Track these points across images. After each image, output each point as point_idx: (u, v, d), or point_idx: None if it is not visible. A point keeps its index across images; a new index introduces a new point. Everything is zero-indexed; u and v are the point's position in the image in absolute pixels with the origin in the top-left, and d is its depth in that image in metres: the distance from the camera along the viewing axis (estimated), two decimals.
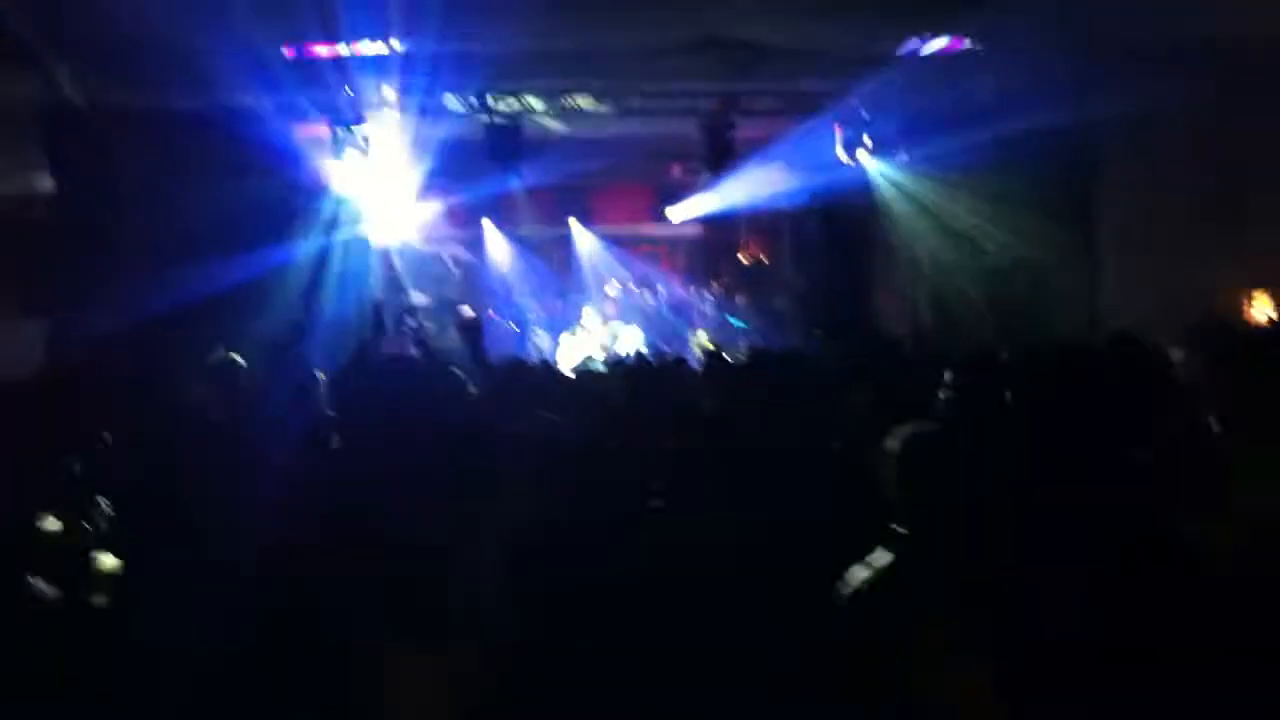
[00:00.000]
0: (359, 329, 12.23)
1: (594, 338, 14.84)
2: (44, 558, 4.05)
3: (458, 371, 6.25)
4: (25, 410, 5.45)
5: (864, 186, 13.50)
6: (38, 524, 4.14)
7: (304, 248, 11.44)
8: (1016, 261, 12.03)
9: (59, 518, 4.40)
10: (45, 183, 10.94)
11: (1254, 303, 10.66)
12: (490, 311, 15.22)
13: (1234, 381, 3.62)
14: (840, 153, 12.99)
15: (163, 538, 4.91)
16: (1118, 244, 11.69)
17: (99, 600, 4.36)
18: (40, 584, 3.80)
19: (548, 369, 8.02)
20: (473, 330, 6.03)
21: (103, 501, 4.85)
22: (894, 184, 13.17)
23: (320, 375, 6.46)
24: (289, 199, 11.32)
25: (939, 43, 10.10)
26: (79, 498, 4.65)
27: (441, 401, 5.40)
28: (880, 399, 5.24)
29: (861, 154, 12.95)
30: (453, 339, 14.77)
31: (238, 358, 6.74)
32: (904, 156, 12.92)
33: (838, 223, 14.81)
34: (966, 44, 10.10)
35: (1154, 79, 9.32)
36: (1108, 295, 11.58)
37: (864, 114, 12.73)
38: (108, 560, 4.53)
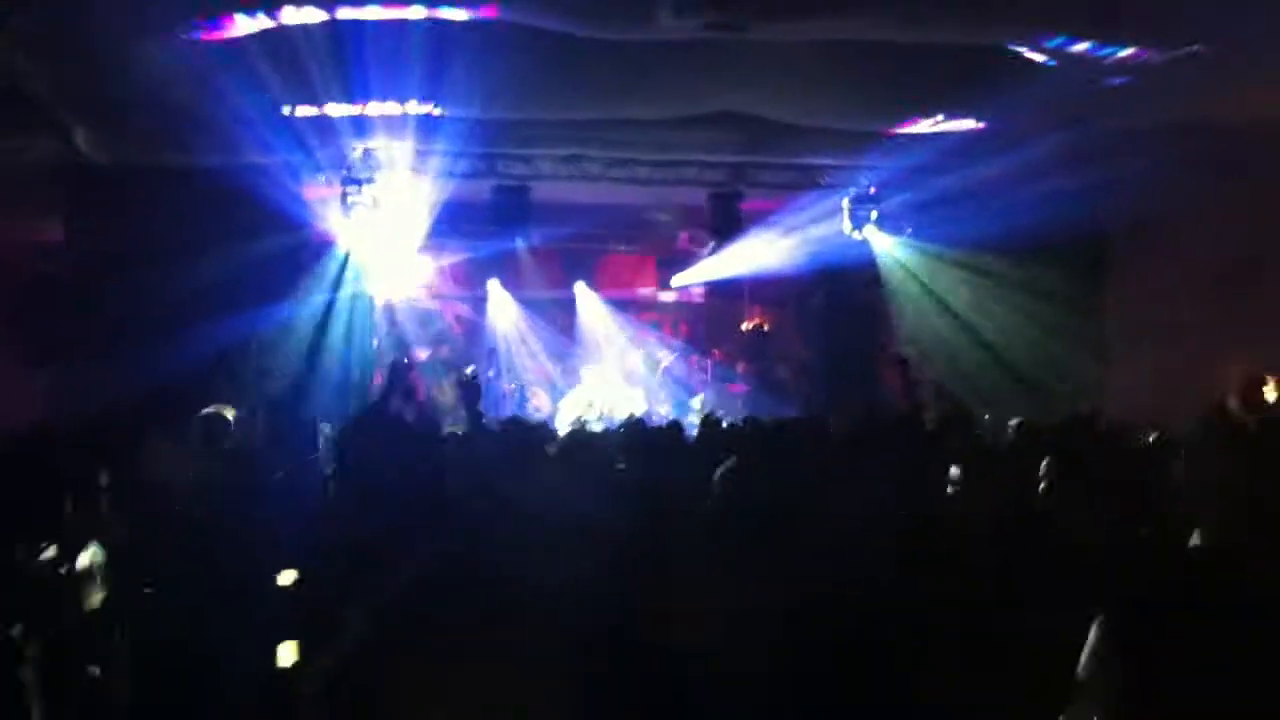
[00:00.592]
0: (361, 385, 12.29)
1: (593, 400, 14.83)
2: (35, 594, 4.06)
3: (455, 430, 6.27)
4: (21, 457, 5.47)
5: (869, 260, 13.57)
6: (30, 561, 4.15)
7: (310, 304, 11.49)
8: (1017, 342, 12.05)
9: (51, 559, 4.41)
10: (56, 235, 11.01)
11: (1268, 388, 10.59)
12: (491, 372, 15.22)
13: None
14: (847, 226, 13.06)
15: (154, 580, 4.92)
16: (1124, 329, 11.71)
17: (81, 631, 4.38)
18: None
19: (545, 430, 8.04)
20: (471, 391, 6.04)
21: (95, 547, 4.86)
22: (898, 259, 13.25)
23: (325, 429, 6.49)
24: (298, 256, 11.38)
25: (945, 123, 10.18)
26: (72, 541, 4.66)
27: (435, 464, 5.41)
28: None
29: (868, 229, 13.02)
30: (450, 396, 14.86)
31: (226, 412, 6.74)
32: (909, 232, 13.01)
33: (842, 295, 14.86)
34: (974, 125, 10.18)
35: (1162, 163, 9.38)
36: (1114, 380, 11.57)
37: (871, 189, 12.83)
38: (95, 598, 4.54)
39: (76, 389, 9.66)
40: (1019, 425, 6.97)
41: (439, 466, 5.43)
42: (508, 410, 14.02)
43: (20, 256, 12.04)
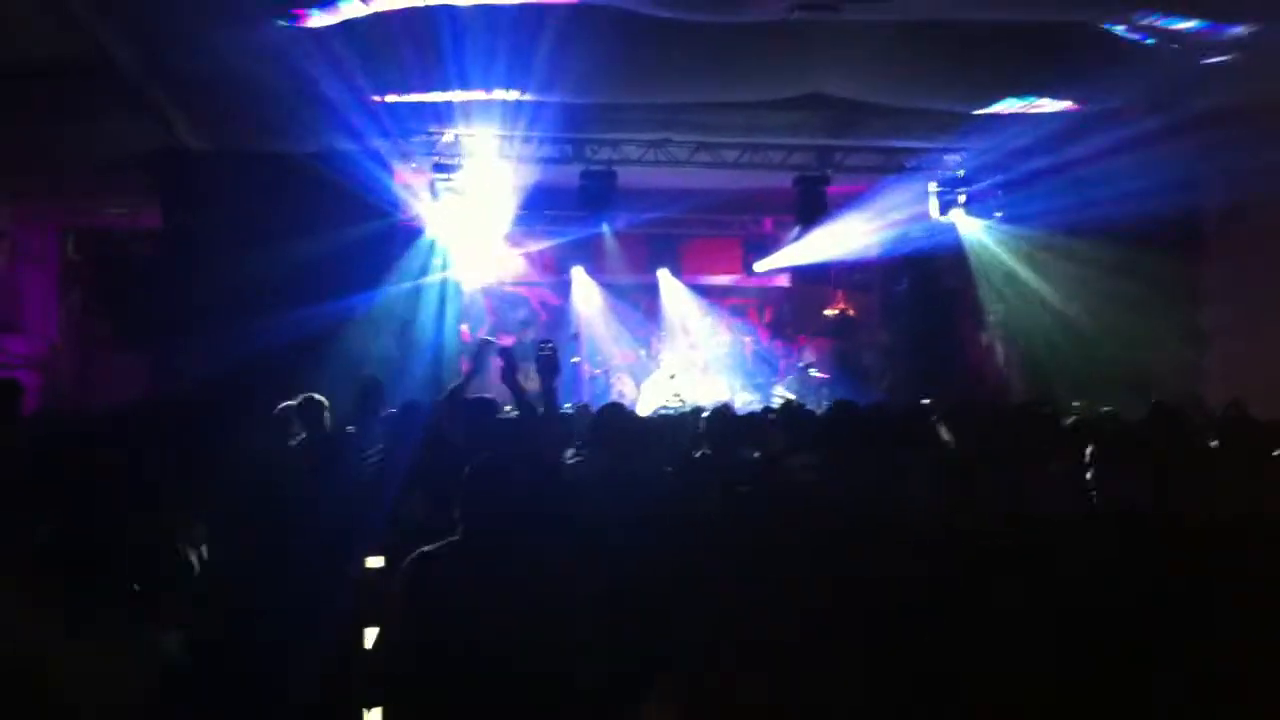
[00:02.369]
0: (449, 370, 12.44)
1: (676, 386, 14.82)
2: (140, 563, 4.17)
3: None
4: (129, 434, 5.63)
5: (956, 244, 13.39)
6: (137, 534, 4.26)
7: (399, 290, 11.64)
8: (1110, 327, 11.77)
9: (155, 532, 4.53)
10: (156, 220, 11.27)
11: None
12: (575, 358, 15.29)
13: None
14: (934, 209, 12.89)
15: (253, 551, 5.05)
16: (1221, 314, 11.39)
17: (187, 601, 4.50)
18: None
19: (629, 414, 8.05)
20: (548, 364, 6.01)
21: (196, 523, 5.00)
22: (987, 243, 13.04)
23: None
24: (387, 242, 11.54)
25: (1038, 104, 10.00)
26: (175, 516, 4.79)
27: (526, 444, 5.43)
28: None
29: (956, 212, 12.84)
30: (535, 381, 14.95)
31: (319, 397, 6.87)
32: (998, 215, 12.80)
33: (927, 280, 14.70)
34: (1068, 105, 9.98)
35: (1260, 142, 9.12)
36: (1211, 366, 11.26)
37: (960, 172, 12.65)
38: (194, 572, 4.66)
39: (173, 369, 9.92)
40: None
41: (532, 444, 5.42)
42: (588, 396, 14.06)
43: (122, 240, 12.39)
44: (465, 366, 14.76)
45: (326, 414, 6.92)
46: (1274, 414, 5.51)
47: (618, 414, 5.71)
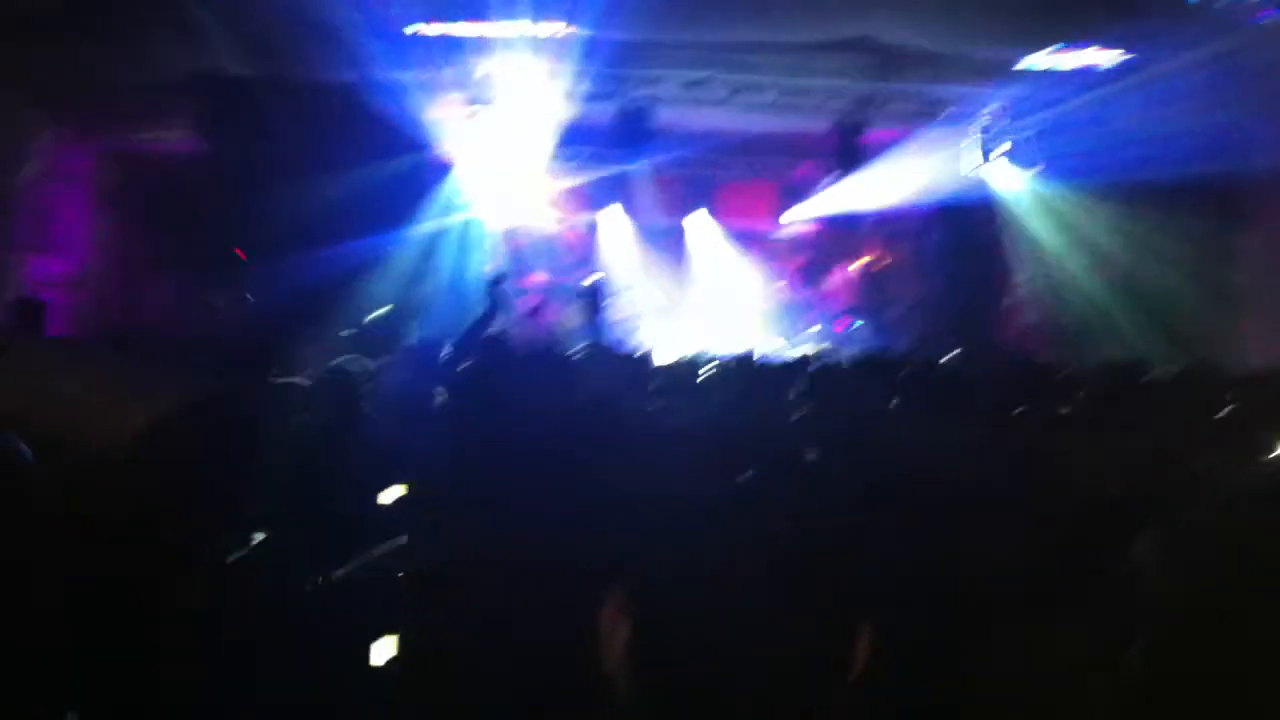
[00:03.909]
0: (477, 305, 12.43)
1: (704, 331, 14.77)
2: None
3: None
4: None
5: (991, 198, 13.23)
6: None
7: (430, 225, 11.63)
8: (1147, 283, 11.64)
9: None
10: (186, 143, 11.23)
11: None
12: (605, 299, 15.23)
13: None
14: (976, 159, 12.71)
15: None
16: (1260, 276, 11.23)
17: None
18: None
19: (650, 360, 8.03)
20: (592, 298, 5.96)
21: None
22: (1027, 194, 12.87)
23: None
24: (422, 175, 11.49)
25: (1087, 53, 9.81)
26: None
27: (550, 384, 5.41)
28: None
29: (995, 162, 12.66)
30: (569, 317, 14.94)
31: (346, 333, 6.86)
32: (1039, 166, 12.61)
33: (961, 232, 14.55)
34: (1116, 56, 9.79)
35: None
36: (1249, 328, 11.13)
37: (1005, 122, 12.45)
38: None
39: (217, 299, 9.95)
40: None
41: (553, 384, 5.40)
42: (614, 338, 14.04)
43: (160, 163, 12.35)
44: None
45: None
46: None
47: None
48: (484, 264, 13.59)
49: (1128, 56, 9.76)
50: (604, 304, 5.88)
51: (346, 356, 6.53)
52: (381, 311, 7.61)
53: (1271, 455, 3.91)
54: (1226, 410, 4.69)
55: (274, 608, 4.37)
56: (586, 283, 5.92)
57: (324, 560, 4.62)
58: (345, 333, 7.03)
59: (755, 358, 7.46)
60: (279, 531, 4.90)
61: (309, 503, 4.79)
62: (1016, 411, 4.94)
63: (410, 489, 4.95)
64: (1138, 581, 3.48)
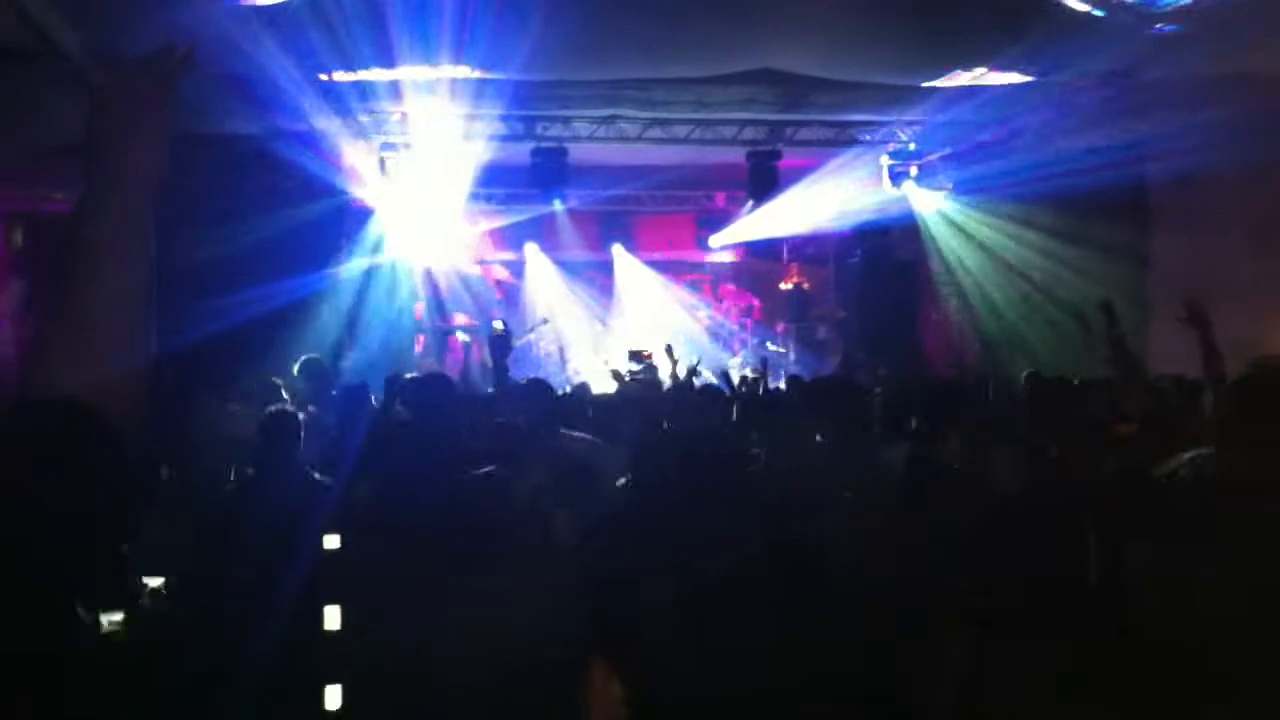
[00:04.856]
0: (402, 350, 12.35)
1: (632, 362, 14.82)
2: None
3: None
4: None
5: (909, 217, 13.47)
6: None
7: (351, 270, 11.54)
8: (1061, 295, 11.90)
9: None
10: None
11: None
12: (531, 335, 15.23)
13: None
14: (886, 183, 12.94)
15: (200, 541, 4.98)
16: (1168, 283, 11.54)
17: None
18: None
19: (585, 391, 8.06)
20: (501, 344, 6.02)
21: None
22: (939, 214, 13.13)
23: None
24: (337, 222, 11.42)
25: (988, 75, 10.04)
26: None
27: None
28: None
29: (908, 184, 12.90)
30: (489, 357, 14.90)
31: (275, 378, 6.84)
32: (950, 188, 12.88)
33: (880, 252, 14.78)
34: (1019, 77, 10.03)
35: (1202, 114, 9.21)
36: (1158, 333, 11.42)
37: (911, 145, 12.70)
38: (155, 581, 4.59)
39: (115, 356, 9.73)
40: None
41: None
42: (542, 373, 14.03)
43: (64, 224, 12.11)
44: (420, 345, 14.74)
45: (285, 394, 6.92)
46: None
47: None
48: (409, 306, 13.55)
49: (1029, 78, 9.99)
50: (509, 351, 5.93)
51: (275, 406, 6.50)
52: (304, 359, 7.53)
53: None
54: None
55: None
56: (495, 329, 5.99)
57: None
58: (275, 379, 6.95)
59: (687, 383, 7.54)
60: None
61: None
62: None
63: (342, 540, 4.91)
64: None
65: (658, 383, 8.10)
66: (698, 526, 3.74)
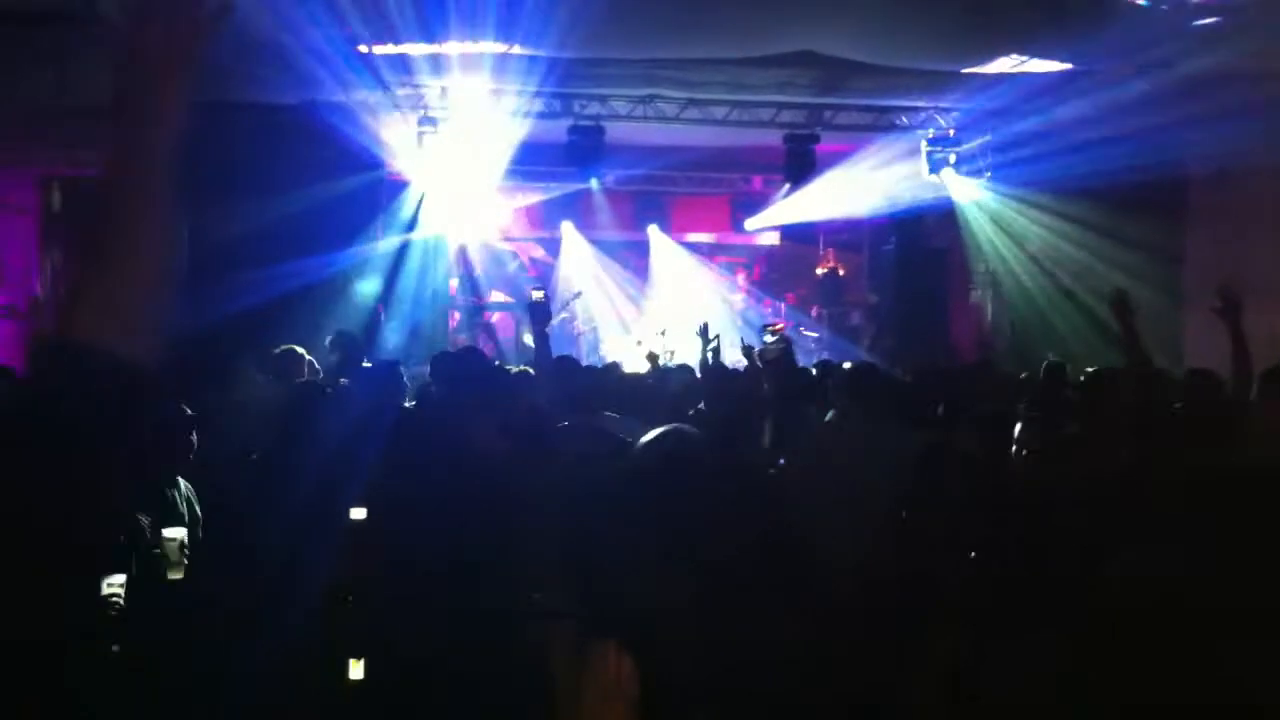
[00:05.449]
0: (435, 325, 12.42)
1: (666, 342, 14.84)
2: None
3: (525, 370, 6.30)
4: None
5: (945, 204, 13.40)
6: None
7: (386, 244, 11.62)
8: (1097, 288, 11.82)
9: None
10: None
11: None
12: (564, 314, 15.28)
13: None
14: (924, 169, 12.87)
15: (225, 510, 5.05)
16: (1204, 278, 11.44)
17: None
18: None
19: (617, 371, 8.08)
20: (541, 313, 5.99)
21: (183, 483, 5.01)
22: (977, 203, 13.05)
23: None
24: (374, 195, 11.49)
25: (1028, 63, 9.97)
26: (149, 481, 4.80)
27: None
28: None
29: (946, 172, 12.82)
30: (525, 334, 14.97)
31: (299, 349, 6.93)
32: (988, 175, 12.80)
33: (915, 239, 14.72)
34: (1059, 65, 9.95)
35: (1245, 109, 9.12)
36: (1193, 329, 11.33)
37: (950, 132, 12.63)
38: (177, 533, 4.67)
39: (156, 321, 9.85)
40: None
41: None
42: (576, 352, 14.08)
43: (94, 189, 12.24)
44: (454, 321, 14.83)
45: (307, 365, 6.99)
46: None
47: None
48: (443, 282, 13.62)
49: (1068, 66, 9.91)
50: (549, 321, 5.88)
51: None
52: (336, 332, 7.60)
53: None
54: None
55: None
56: (534, 298, 5.93)
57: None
58: (301, 351, 7.04)
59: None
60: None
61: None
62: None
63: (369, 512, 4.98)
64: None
65: (687, 367, 8.08)
66: (709, 518, 3.79)
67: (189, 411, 5.10)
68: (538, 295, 6.27)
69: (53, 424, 1.52)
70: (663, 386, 7.48)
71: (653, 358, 9.22)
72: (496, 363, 7.70)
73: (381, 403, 5.77)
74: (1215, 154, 10.55)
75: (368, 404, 6.07)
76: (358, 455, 5.34)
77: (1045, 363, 7.30)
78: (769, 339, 9.07)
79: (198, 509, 5.02)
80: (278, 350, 6.97)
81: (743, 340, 8.97)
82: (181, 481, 4.99)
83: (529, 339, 15.14)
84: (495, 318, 15.86)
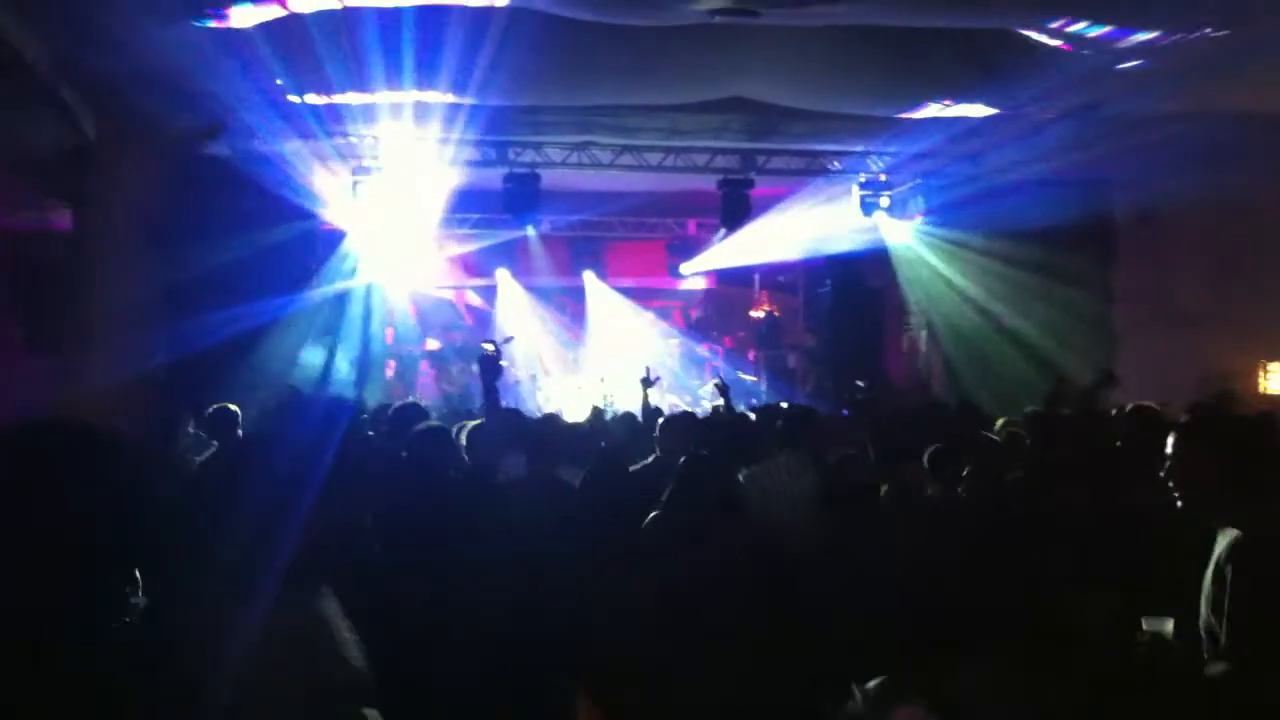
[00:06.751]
0: (373, 374, 12.27)
1: (605, 389, 14.79)
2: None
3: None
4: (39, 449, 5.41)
5: (879, 246, 13.54)
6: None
7: (322, 293, 11.48)
8: (1029, 324, 12.00)
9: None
10: (63, 220, 10.93)
11: (1268, 375, 10.70)
12: (503, 361, 15.14)
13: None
14: (857, 211, 13.01)
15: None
16: (1133, 312, 11.68)
17: None
18: None
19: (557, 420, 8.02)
20: (490, 366, 5.94)
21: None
22: (909, 244, 13.21)
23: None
24: (308, 244, 11.37)
25: (957, 107, 10.14)
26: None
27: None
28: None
29: (879, 214, 12.98)
30: (458, 384, 14.85)
31: (232, 406, 6.81)
32: (920, 217, 12.98)
33: (850, 282, 14.85)
34: (983, 109, 10.14)
35: (1165, 148, 9.34)
36: (1123, 362, 11.53)
37: (882, 175, 12.80)
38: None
39: (84, 375, 9.63)
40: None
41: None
42: (513, 400, 13.97)
43: (29, 242, 11.97)
44: (390, 370, 14.67)
45: (239, 420, 6.86)
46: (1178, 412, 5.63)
47: None
48: (380, 330, 13.48)
49: (997, 110, 10.10)
50: (500, 374, 5.84)
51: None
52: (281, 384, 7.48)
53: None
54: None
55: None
56: (485, 348, 5.88)
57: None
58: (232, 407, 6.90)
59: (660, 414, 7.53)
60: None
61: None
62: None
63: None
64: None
65: (631, 415, 8.04)
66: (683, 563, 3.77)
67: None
68: (488, 347, 6.21)
69: None
70: (607, 436, 7.43)
71: (597, 412, 9.14)
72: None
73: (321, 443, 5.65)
74: (1141, 191, 10.80)
75: (304, 447, 5.97)
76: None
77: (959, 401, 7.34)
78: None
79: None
80: (210, 410, 6.85)
81: (719, 378, 8.94)
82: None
83: (448, 386, 15.07)
84: (428, 367, 15.74)
